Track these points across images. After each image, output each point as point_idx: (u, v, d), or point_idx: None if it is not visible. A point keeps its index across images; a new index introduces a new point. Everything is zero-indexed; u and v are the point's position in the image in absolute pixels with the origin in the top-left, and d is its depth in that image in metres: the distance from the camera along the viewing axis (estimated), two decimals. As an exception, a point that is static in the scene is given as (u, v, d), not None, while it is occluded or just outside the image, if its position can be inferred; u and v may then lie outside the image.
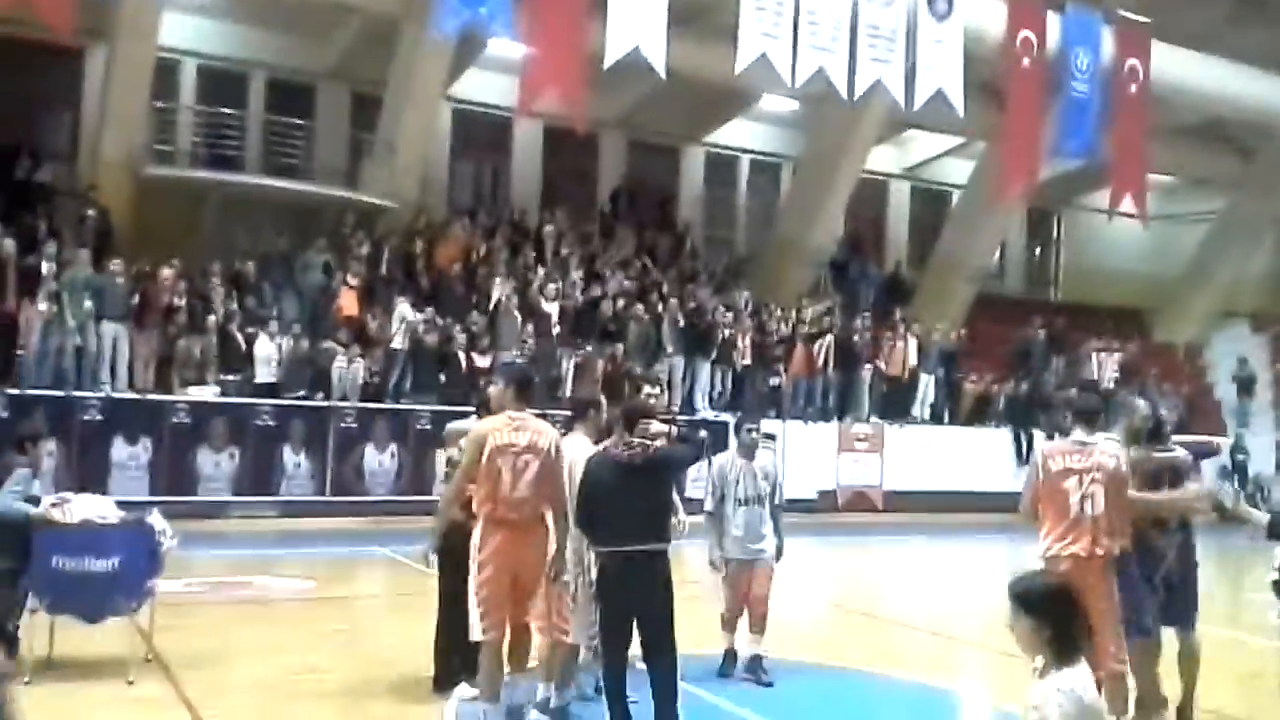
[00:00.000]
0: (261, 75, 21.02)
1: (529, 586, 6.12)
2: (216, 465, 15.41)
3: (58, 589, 6.90)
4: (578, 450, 6.42)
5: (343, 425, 16.11)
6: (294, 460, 15.79)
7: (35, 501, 6.98)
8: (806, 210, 22.44)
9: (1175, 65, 21.35)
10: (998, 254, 27.71)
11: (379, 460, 16.26)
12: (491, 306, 17.82)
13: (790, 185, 24.92)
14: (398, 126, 19.29)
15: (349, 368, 16.16)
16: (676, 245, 22.40)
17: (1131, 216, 30.02)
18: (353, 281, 17.37)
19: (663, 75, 17.02)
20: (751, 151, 25.78)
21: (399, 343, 16.74)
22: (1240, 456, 21.39)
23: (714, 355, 18.08)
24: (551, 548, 6.14)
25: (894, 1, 18.60)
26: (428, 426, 16.46)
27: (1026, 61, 20.01)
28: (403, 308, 16.93)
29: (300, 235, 18.48)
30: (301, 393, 16.06)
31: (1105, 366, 21.93)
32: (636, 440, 5.99)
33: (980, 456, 19.67)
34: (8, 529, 6.78)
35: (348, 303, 17.10)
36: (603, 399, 7.30)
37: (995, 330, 23.90)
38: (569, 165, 23.93)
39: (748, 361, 18.21)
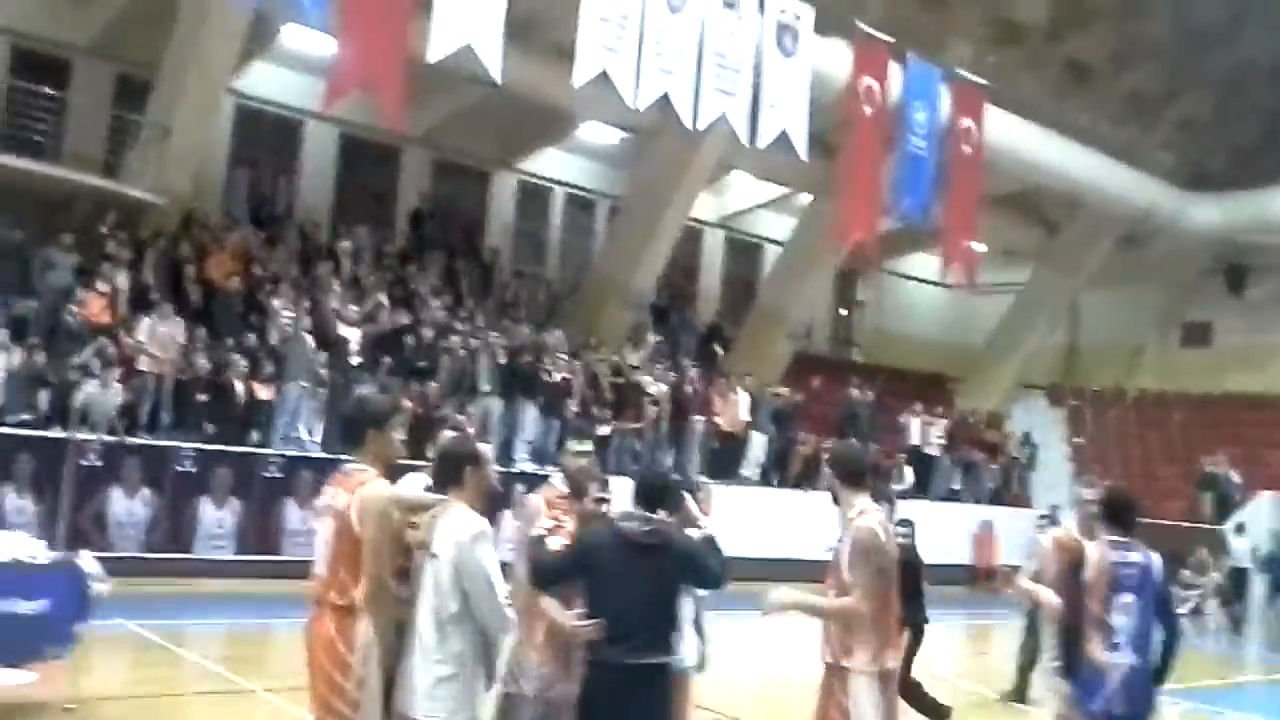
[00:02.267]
0: (4, 41, 17.65)
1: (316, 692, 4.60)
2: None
3: None
4: (458, 528, 4.53)
5: (84, 463, 12.98)
6: (15, 504, 12.52)
7: None
8: (628, 250, 20.76)
9: (1005, 130, 21.10)
10: (806, 312, 26.98)
11: (128, 508, 13.21)
12: (276, 329, 15.15)
13: (611, 222, 23.25)
14: (171, 114, 16.40)
15: (102, 393, 13.09)
16: (485, 275, 20.23)
17: (934, 284, 30.55)
18: (104, 288, 14.36)
19: (496, 79, 15.01)
20: (567, 184, 23.98)
21: (158, 366, 13.84)
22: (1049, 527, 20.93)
23: (540, 400, 15.93)
24: (357, 647, 4.53)
25: (742, 31, 17.37)
26: (190, 469, 13.65)
27: (869, 110, 19.19)
28: (168, 323, 14.06)
29: (42, 228, 15.27)
30: (29, 419, 12.92)
31: (928, 433, 21.17)
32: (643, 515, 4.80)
33: (809, 521, 18.24)
34: None
35: (98, 310, 14.06)
36: (481, 452, 5.16)
37: (808, 389, 22.85)
38: (366, 179, 21.52)
39: (576, 409, 16.16)
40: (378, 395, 6.25)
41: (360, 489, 4.60)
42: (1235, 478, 22.17)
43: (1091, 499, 6.76)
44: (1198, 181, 24.97)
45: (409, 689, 4.51)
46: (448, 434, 6.17)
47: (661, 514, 4.93)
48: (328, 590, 4.61)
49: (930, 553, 21.43)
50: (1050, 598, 6.28)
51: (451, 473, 4.71)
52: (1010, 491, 22.76)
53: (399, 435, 4.94)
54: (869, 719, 4.90)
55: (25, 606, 6.74)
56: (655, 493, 4.99)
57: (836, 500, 5.20)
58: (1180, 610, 8.33)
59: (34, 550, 7.10)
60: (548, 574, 4.99)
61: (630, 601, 4.67)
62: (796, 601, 5.12)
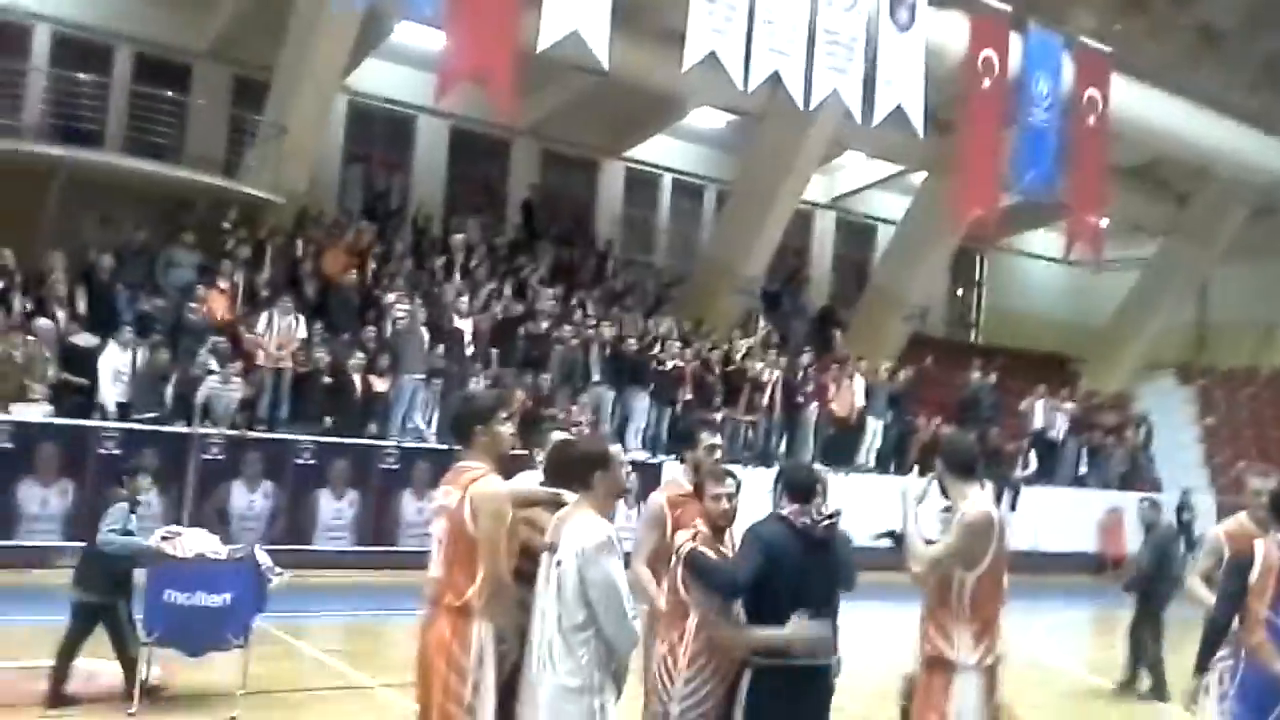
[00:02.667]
0: (128, 49, 18.17)
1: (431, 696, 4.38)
2: (44, 503, 12.40)
3: (168, 622, 7.10)
4: (584, 535, 4.27)
5: (206, 458, 13.26)
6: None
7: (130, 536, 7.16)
8: (738, 235, 20.45)
9: (1131, 99, 20.21)
10: (922, 293, 26.31)
11: (249, 501, 13.45)
12: (391, 322, 15.27)
13: (722, 207, 22.96)
14: (286, 113, 16.68)
15: (223, 388, 13.35)
16: (598, 264, 20.14)
17: (1055, 261, 29.56)
18: (224, 285, 14.65)
19: (604, 65, 14.89)
20: (674, 170, 23.77)
21: (277, 361, 14.05)
22: (1186, 515, 20.05)
23: (651, 388, 15.76)
24: (472, 651, 4.34)
25: (855, 6, 16.93)
26: (310, 461, 13.86)
27: (987, 83, 18.58)
28: (287, 319, 14.28)
29: (165, 228, 15.63)
30: (155, 415, 13.23)
31: (1053, 417, 20.43)
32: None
33: (930, 509, 17.78)
34: (107, 563, 7.10)
35: (219, 308, 14.34)
36: (612, 454, 4.89)
37: (925, 372, 22.23)
38: (477, 171, 21.67)
39: (689, 396, 15.96)
40: (482, 390, 6.15)
41: (472, 486, 4.40)
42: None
43: (1262, 489, 6.24)
44: (1336, 147, 23.59)
45: (532, 701, 4.29)
46: (556, 435, 5.82)
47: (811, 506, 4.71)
48: (443, 591, 4.42)
49: (1057, 540, 20.82)
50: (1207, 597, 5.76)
51: (581, 475, 4.43)
52: (1139, 476, 21.83)
53: (508, 428, 4.70)
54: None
55: (212, 599, 7.14)
56: (809, 485, 4.80)
57: (945, 492, 4.96)
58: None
59: (216, 546, 7.45)
60: (735, 585, 4.59)
61: (808, 600, 4.48)
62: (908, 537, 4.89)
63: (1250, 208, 24.48)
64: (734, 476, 5.08)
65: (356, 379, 14.28)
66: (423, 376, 14.52)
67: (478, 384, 14.09)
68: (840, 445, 17.61)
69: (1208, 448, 24.92)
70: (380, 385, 14.39)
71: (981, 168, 18.78)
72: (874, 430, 18.04)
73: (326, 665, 9.50)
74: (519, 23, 14.44)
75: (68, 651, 7.15)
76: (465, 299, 15.55)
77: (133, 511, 7.25)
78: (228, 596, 7.17)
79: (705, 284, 20.67)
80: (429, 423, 14.66)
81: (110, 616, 7.19)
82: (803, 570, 4.54)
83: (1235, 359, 26.35)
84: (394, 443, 14.28)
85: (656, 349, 16.23)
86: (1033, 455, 19.83)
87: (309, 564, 13.38)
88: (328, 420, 14.22)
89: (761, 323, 19.50)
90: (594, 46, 14.62)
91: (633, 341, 16.22)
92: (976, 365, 21.32)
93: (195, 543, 7.32)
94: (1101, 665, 11.52)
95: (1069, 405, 21.08)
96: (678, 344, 16.83)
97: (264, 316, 14.34)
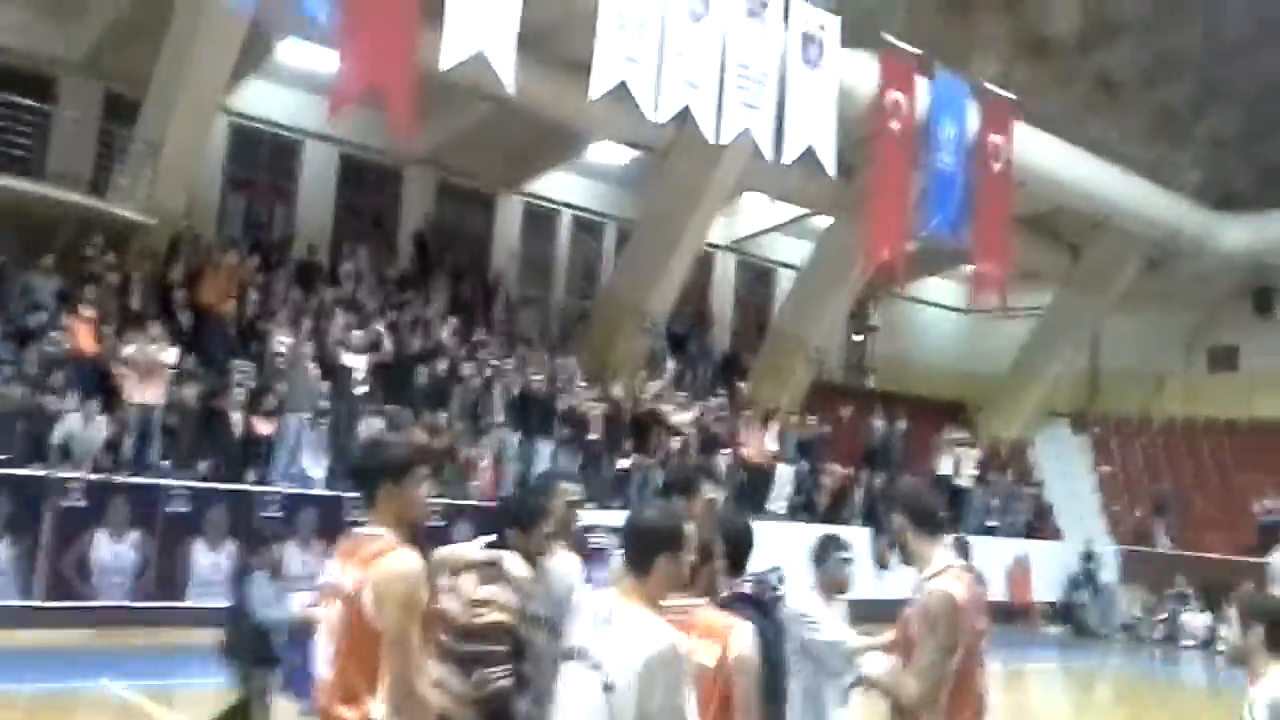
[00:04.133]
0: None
1: None
2: None
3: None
4: (646, 643, 3.18)
5: (65, 504, 11.86)
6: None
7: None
8: (642, 274, 19.77)
9: (1034, 147, 20.26)
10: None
11: (114, 552, 12.07)
12: (274, 357, 14.11)
13: (622, 245, 22.29)
14: (161, 131, 15.47)
15: (84, 427, 12.00)
16: (494, 301, 19.22)
17: (951, 309, 29.72)
18: (88, 313, 13.31)
19: (509, 89, 14.07)
20: (574, 207, 23.04)
21: (150, 397, 12.76)
22: (1091, 565, 19.94)
23: (557, 433, 14.88)
24: None
25: (765, 42, 16.51)
26: (183, 509, 12.57)
27: (895, 125, 18.34)
28: (158, 351, 12.99)
29: (22, 250, 14.24)
30: (6, 456, 11.81)
31: (963, 462, 20.16)
32: None
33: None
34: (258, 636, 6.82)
35: (82, 337, 13.00)
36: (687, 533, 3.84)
37: (830, 419, 21.84)
38: (367, 201, 20.65)
39: (600, 443, 15.09)
40: (394, 439, 4.90)
41: (377, 562, 3.42)
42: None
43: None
44: (1226, 201, 24.15)
45: None
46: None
47: None
48: (333, 699, 3.40)
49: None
50: None
51: (642, 557, 3.31)
52: (1044, 524, 21.73)
53: (424, 489, 3.67)
54: None
55: None
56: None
57: (905, 552, 4.25)
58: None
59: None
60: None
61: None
62: (879, 682, 4.29)
63: (1143, 259, 24.85)
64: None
65: (236, 417, 13.08)
66: (310, 415, 13.40)
67: (370, 425, 13.03)
68: (751, 491, 16.95)
69: (1104, 496, 25.04)
70: (263, 425, 13.21)
71: (889, 210, 18.48)
72: (786, 476, 17.43)
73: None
74: (419, 41, 13.57)
75: None
76: (356, 333, 14.46)
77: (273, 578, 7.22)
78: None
79: (608, 323, 19.92)
80: (314, 468, 13.52)
81: None
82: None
83: (1127, 408, 26.65)
84: (277, 489, 13.09)
85: (563, 390, 15.36)
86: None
87: (182, 622, 12.17)
88: (203, 464, 12.97)
89: (670, 364, 18.80)
90: (499, 68, 13.79)
91: (539, 381, 15.33)
92: (879, 412, 20.98)
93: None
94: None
95: (975, 452, 20.87)
96: (582, 384, 16.01)
97: (132, 348, 13.03)
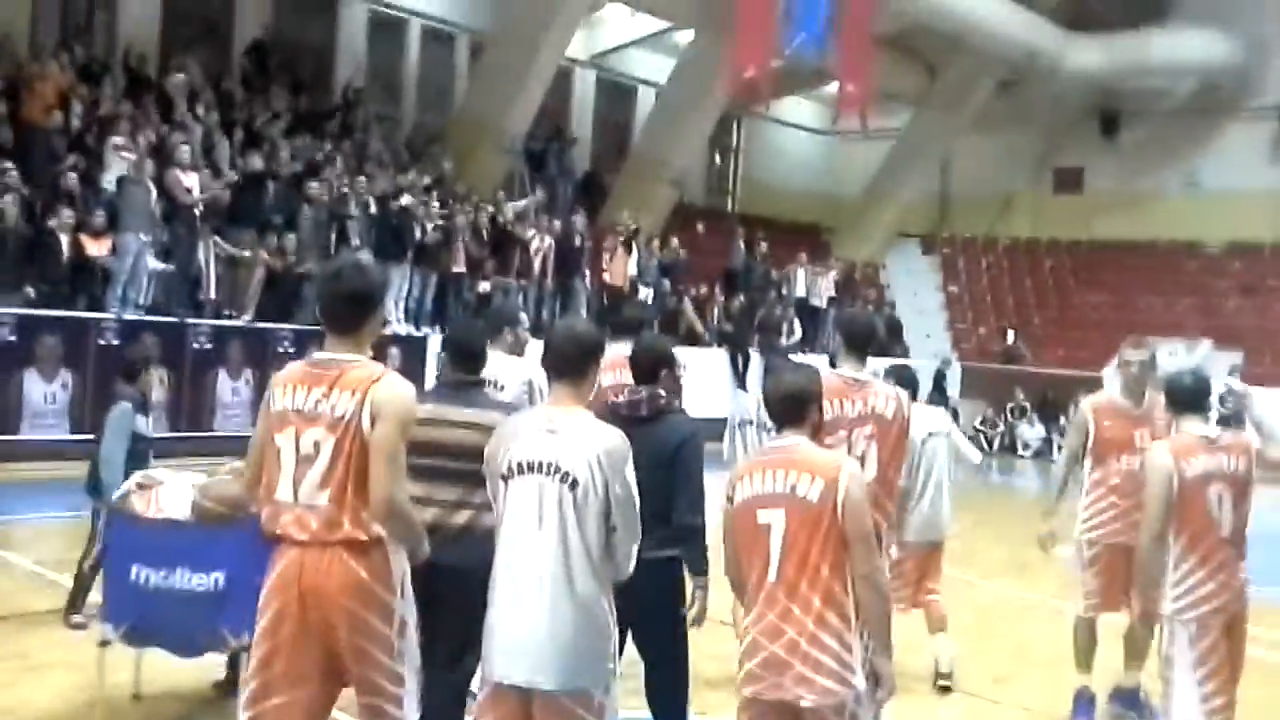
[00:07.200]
0: None
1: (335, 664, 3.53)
2: None
3: (138, 611, 4.85)
4: (598, 440, 3.42)
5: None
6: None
7: (147, 442, 6.29)
8: (498, 90, 18.97)
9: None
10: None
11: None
12: (110, 175, 13.09)
13: (477, 59, 21.28)
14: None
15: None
16: (342, 116, 18.19)
17: (811, 131, 29.61)
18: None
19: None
20: (423, 16, 21.78)
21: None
22: (944, 382, 20.60)
23: (414, 256, 14.31)
24: (395, 586, 3.54)
25: None
26: (11, 338, 11.77)
27: (761, -64, 17.70)
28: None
29: None
30: None
31: (819, 285, 20.37)
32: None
33: (700, 379, 17.37)
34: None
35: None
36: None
37: (685, 240, 21.69)
38: (195, 7, 19.02)
39: (461, 268, 14.60)
40: (374, 266, 4.36)
41: (375, 386, 3.45)
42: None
43: (1133, 360, 5.76)
44: (1079, 21, 24.33)
45: (511, 650, 3.32)
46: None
47: None
48: (332, 522, 3.41)
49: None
50: None
51: (576, 367, 3.49)
52: (895, 342, 22.30)
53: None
54: None
55: (198, 580, 4.98)
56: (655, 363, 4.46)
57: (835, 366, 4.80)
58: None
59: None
60: None
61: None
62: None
63: (997, 80, 25.03)
64: None
65: (64, 239, 12.16)
66: (147, 237, 12.56)
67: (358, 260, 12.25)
68: (613, 314, 16.78)
69: (950, 315, 25.83)
70: (95, 248, 12.33)
71: (754, 26, 18.04)
72: (646, 299, 17.31)
73: (43, 579, 7.94)
74: None
75: None
76: (188, 149, 13.43)
77: (141, 411, 6.23)
78: (220, 576, 4.82)
79: (463, 141, 19.15)
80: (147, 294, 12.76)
81: None
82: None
83: (975, 229, 27.29)
84: (114, 315, 12.34)
85: (420, 211, 14.71)
86: (797, 324, 19.72)
87: (16, 456, 11.56)
88: (30, 289, 12.11)
89: (539, 191, 18.22)
90: None
91: (404, 200, 14.56)
92: (739, 235, 20.93)
93: (177, 497, 4.93)
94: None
95: (831, 274, 21.09)
96: (437, 206, 15.40)
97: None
